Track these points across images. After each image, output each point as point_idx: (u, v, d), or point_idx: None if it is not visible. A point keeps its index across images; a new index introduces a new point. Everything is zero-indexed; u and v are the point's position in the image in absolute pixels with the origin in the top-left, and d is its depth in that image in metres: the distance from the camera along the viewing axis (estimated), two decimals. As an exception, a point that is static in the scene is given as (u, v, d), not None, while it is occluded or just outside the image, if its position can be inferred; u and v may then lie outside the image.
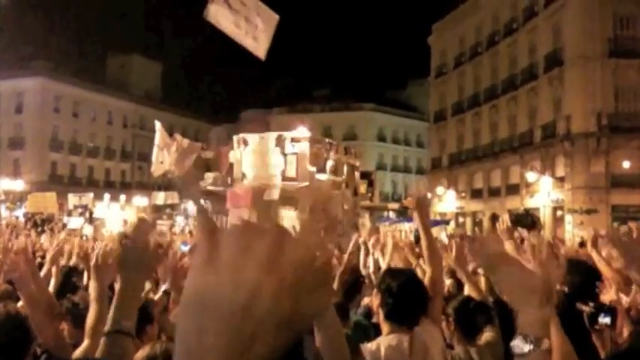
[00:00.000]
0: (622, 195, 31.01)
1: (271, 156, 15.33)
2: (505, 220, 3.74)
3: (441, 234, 19.63)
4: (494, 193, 40.70)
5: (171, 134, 16.75)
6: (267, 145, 15.61)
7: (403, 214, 37.47)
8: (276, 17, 4.84)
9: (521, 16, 38.46)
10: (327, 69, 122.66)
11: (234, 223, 0.58)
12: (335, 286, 4.37)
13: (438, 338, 3.23)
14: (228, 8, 4.74)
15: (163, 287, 4.47)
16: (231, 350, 0.52)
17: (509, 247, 3.50)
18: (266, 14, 4.77)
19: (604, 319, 3.28)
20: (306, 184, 14.61)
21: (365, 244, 6.01)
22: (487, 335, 3.52)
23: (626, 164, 31.17)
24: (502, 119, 40.68)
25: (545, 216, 32.62)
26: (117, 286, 1.88)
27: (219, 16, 4.76)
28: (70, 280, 5.09)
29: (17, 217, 26.84)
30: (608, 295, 3.44)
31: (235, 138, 16.23)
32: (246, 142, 15.92)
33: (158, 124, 15.98)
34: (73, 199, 28.46)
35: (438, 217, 36.79)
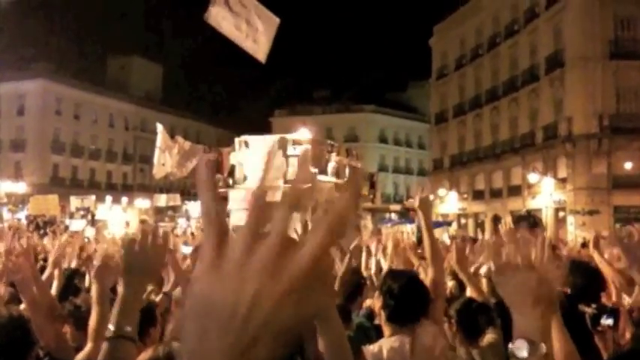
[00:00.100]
0: (624, 196, 30.99)
1: (273, 158, 15.34)
2: (508, 222, 3.73)
3: (444, 235, 19.66)
4: (496, 194, 40.68)
5: (172, 136, 16.77)
6: (269, 147, 15.62)
7: (405, 216, 37.50)
8: (276, 20, 4.85)
9: (522, 18, 38.48)
10: (327, 70, 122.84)
11: (239, 228, 0.58)
12: (336, 287, 4.37)
13: (440, 340, 3.22)
14: (229, 11, 4.75)
15: (164, 289, 4.47)
16: (232, 353, 0.53)
17: (511, 249, 3.49)
18: (266, 17, 4.79)
19: (606, 321, 3.28)
20: (308, 185, 14.61)
21: (367, 245, 6.01)
22: (489, 337, 3.52)
23: (627, 165, 31.16)
24: (503, 120, 40.67)
25: (547, 217, 32.61)
26: (120, 289, 1.88)
27: (219, 18, 4.77)
28: (72, 282, 5.09)
29: (19, 220, 26.87)
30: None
31: (237, 140, 16.23)
32: (247, 145, 15.93)
33: (160, 127, 15.98)
34: (75, 202, 28.50)
35: (440, 219, 36.80)
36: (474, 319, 3.61)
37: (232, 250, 0.56)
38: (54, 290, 4.07)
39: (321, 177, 15.66)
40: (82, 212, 27.52)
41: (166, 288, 4.51)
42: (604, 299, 3.92)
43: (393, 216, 45.71)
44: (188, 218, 33.87)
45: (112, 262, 2.49)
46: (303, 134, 17.22)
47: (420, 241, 8.80)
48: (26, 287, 2.84)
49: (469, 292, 4.10)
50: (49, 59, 56.83)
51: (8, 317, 2.45)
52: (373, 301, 4.27)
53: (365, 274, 5.60)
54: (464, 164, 44.57)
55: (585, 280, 3.73)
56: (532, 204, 34.39)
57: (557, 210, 33.58)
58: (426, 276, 3.65)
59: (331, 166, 16.56)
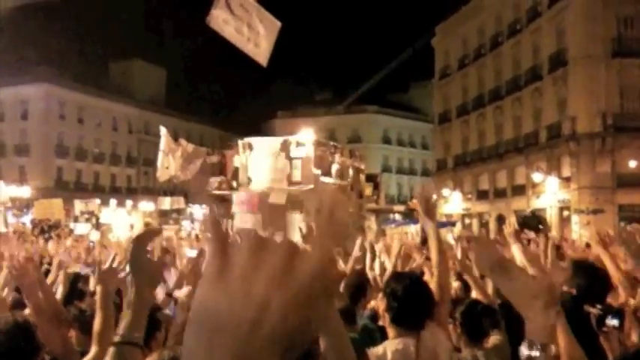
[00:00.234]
0: (628, 195, 30.92)
1: (277, 160, 15.35)
2: (512, 222, 3.72)
3: (448, 236, 19.59)
4: (500, 194, 40.60)
5: (176, 139, 16.80)
6: (273, 149, 15.64)
7: (409, 216, 37.47)
8: (278, 24, 4.86)
9: (524, 17, 38.43)
10: (329, 72, 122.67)
11: (245, 235, 0.58)
12: (340, 289, 4.37)
13: (445, 342, 3.22)
14: (230, 14, 4.76)
15: (166, 290, 4.48)
16: None
17: (516, 249, 3.49)
18: (268, 21, 4.79)
19: (612, 321, 3.26)
20: (311, 186, 14.64)
21: (371, 247, 6.00)
22: (494, 339, 3.51)
23: (632, 164, 31.07)
24: (507, 120, 40.61)
25: (551, 216, 32.54)
26: (129, 293, 1.87)
27: (221, 21, 4.79)
28: (76, 286, 5.10)
29: (24, 224, 26.94)
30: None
31: (240, 142, 16.25)
32: (251, 147, 15.95)
33: (163, 130, 16.01)
34: (79, 205, 28.58)
35: (444, 219, 36.76)
36: (479, 321, 3.60)
37: (238, 259, 0.56)
38: (59, 295, 4.08)
39: (324, 179, 15.67)
40: (86, 216, 27.62)
41: (167, 290, 4.52)
42: (610, 299, 3.90)
43: (397, 217, 45.72)
44: (192, 221, 33.95)
45: (116, 265, 2.50)
46: (305, 136, 17.23)
47: (424, 241, 8.78)
48: (31, 292, 2.85)
49: (474, 293, 4.09)
50: (50, 62, 56.91)
51: (13, 323, 2.46)
52: (377, 302, 4.27)
53: (369, 275, 5.60)
54: (467, 164, 44.51)
55: (589, 280, 3.72)
56: (536, 203, 34.33)
57: (561, 209, 33.50)
58: (432, 277, 3.65)
59: (335, 168, 16.57)
